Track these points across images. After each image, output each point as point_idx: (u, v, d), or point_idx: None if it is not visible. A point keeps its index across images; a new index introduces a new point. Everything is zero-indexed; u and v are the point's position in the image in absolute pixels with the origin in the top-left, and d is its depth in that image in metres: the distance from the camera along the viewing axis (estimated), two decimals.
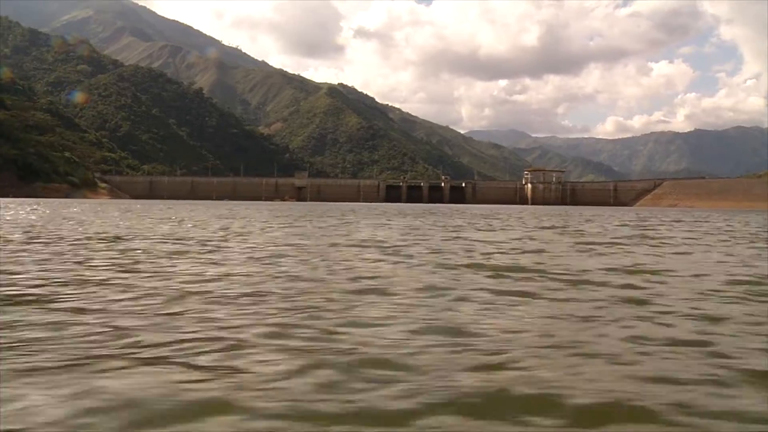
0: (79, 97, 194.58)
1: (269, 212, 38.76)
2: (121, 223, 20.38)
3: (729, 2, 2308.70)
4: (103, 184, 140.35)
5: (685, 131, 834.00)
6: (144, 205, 60.91)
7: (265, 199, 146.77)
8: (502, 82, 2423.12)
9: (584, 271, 7.65)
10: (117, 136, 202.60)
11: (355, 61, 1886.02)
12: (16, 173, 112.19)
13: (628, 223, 27.41)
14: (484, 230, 18.83)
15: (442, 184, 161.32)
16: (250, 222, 22.63)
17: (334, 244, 11.82)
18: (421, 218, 29.87)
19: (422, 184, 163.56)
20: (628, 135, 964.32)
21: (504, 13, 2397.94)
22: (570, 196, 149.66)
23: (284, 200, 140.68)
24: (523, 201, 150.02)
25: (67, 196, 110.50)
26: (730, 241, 14.81)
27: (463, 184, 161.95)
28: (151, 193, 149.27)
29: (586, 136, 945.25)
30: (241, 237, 13.83)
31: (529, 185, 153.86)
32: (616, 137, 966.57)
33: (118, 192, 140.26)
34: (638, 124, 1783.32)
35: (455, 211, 54.27)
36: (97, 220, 21.90)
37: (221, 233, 15.17)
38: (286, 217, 29.56)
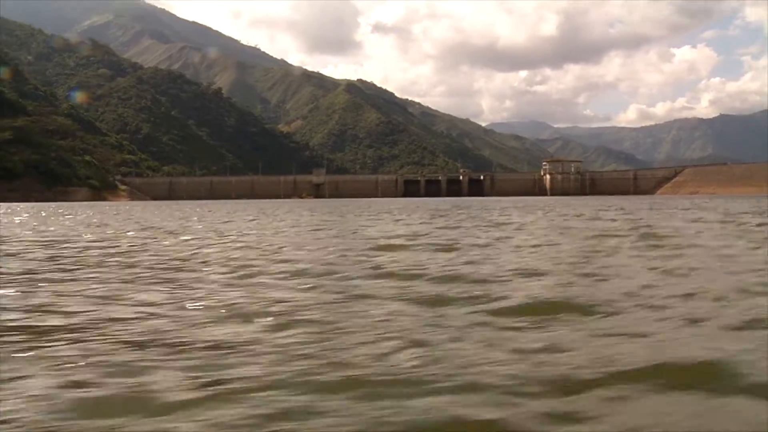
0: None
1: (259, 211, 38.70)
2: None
3: None
4: (124, 187, 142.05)
5: (710, 117, 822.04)
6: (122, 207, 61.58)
7: (284, 197, 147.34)
8: (522, 73, 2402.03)
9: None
10: (137, 138, 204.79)
11: (374, 57, 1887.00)
12: (38, 178, 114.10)
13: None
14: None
15: (461, 178, 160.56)
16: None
17: None
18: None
19: (440, 177, 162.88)
20: (651, 123, 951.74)
21: (521, 2, 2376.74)
22: (589, 186, 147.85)
23: (302, 197, 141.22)
24: (542, 192, 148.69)
25: (85, 200, 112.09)
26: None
27: (482, 177, 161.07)
28: (170, 194, 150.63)
29: (608, 125, 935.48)
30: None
31: (548, 176, 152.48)
32: (639, 125, 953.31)
33: (138, 194, 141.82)
34: (661, 111, 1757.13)
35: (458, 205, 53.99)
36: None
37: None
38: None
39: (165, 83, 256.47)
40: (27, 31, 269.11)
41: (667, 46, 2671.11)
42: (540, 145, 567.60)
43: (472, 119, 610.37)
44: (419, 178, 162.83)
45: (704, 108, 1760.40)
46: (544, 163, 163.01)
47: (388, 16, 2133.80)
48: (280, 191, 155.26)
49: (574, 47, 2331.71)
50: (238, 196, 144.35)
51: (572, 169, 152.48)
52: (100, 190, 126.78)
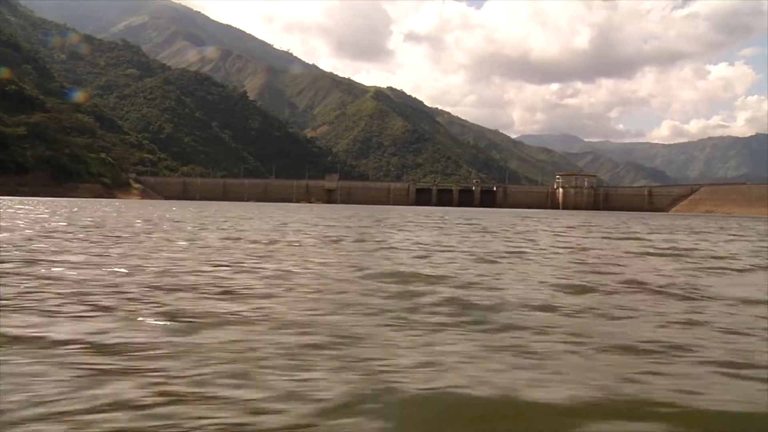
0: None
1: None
2: None
3: None
4: (137, 185, 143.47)
5: (746, 135, 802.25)
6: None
7: (297, 201, 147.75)
8: (554, 86, 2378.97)
9: None
10: (159, 138, 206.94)
11: (406, 65, 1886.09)
12: (50, 173, 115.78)
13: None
14: None
15: (473, 188, 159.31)
16: None
17: None
18: None
19: (453, 187, 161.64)
20: (685, 140, 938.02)
21: (555, 15, 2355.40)
22: (603, 201, 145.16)
23: (310, 202, 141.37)
24: (554, 205, 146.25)
25: (95, 197, 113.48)
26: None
27: (494, 188, 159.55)
28: (184, 194, 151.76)
29: (640, 141, 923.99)
30: None
31: (561, 190, 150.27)
32: (672, 142, 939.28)
33: (151, 193, 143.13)
34: (695, 128, 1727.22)
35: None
36: None
37: None
38: None
39: (191, 85, 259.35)
40: (62, 31, 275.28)
41: (702, 63, 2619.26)
42: (569, 159, 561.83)
43: (503, 130, 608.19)
44: (431, 187, 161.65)
45: (740, 127, 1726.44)
46: (557, 177, 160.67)
47: (421, 25, 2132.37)
48: (292, 195, 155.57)
49: (606, 61, 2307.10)
50: (250, 199, 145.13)
51: (585, 183, 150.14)
52: (112, 187, 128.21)
